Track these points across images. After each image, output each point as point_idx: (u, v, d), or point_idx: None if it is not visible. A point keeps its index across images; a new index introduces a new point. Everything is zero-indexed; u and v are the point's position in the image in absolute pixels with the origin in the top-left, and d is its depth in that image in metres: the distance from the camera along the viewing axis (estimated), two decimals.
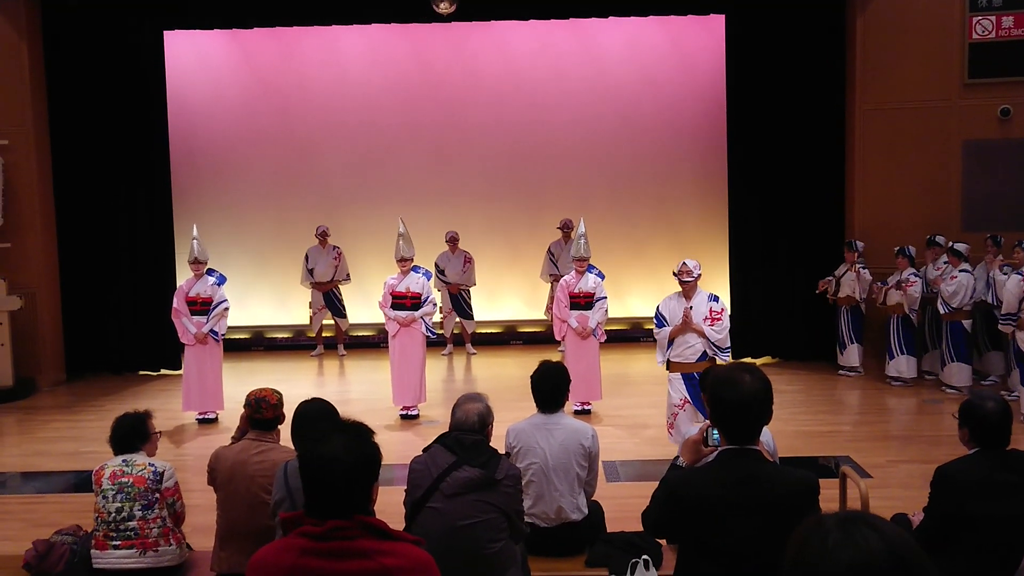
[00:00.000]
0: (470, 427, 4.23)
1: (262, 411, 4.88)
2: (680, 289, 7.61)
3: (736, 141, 11.88)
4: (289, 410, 4.77)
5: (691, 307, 7.48)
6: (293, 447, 4.65)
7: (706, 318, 7.46)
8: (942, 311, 10.14)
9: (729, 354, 7.64)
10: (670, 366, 7.68)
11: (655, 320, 7.72)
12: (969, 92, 11.11)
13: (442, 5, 10.59)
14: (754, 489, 3.16)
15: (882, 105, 11.24)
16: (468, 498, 4.03)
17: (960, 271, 9.99)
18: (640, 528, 5.02)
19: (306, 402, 4.58)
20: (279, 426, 5.00)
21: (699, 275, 7.57)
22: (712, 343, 7.47)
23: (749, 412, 3.20)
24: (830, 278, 11.03)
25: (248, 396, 4.95)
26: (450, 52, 13.58)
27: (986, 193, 11.15)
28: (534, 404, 5.08)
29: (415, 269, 9.62)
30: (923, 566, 1.66)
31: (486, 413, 4.29)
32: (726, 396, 3.22)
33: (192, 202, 13.27)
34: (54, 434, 9.48)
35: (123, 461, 4.93)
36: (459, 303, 12.89)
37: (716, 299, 7.61)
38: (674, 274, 7.64)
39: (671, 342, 7.60)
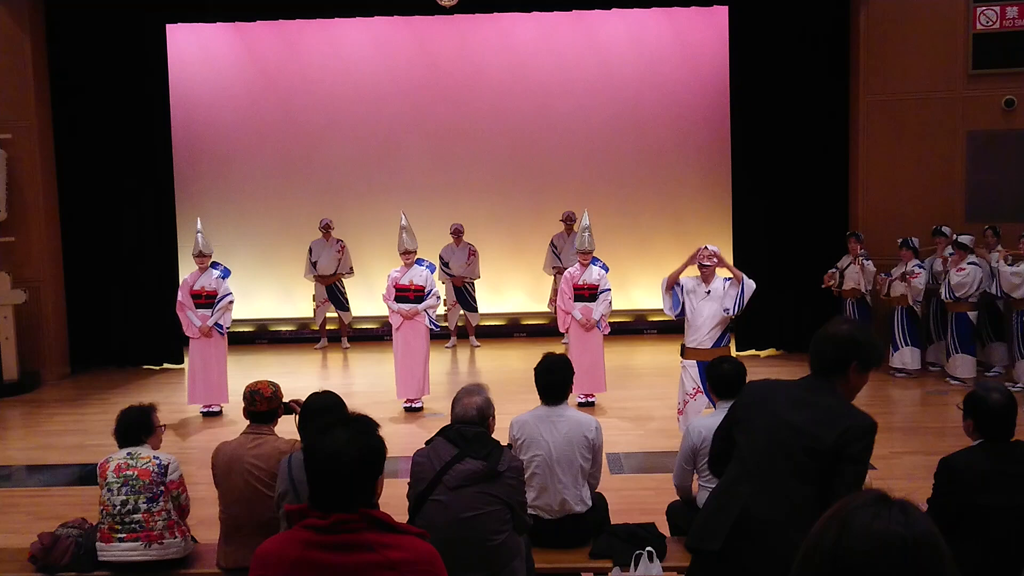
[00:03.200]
0: (471, 420, 4.23)
1: (256, 404, 4.89)
2: (699, 274, 7.80)
3: (739, 133, 11.86)
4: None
5: (709, 291, 7.66)
6: (299, 439, 4.67)
7: (726, 306, 7.66)
8: (945, 298, 10.13)
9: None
10: (684, 352, 7.79)
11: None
12: (973, 83, 11.08)
13: None
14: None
15: (886, 96, 11.22)
16: (471, 490, 4.03)
17: (968, 263, 9.97)
18: (642, 520, 5.03)
19: (315, 394, 4.58)
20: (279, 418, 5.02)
21: (718, 260, 7.74)
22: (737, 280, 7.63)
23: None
24: (834, 270, 11.01)
25: (244, 390, 4.96)
26: (453, 45, 13.56)
27: (990, 184, 11.13)
28: (538, 396, 5.08)
29: (419, 262, 9.62)
30: (936, 567, 1.64)
31: (485, 406, 4.29)
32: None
33: (195, 195, 13.28)
34: (59, 427, 9.51)
35: (128, 454, 4.93)
36: (463, 296, 12.89)
37: (729, 279, 7.74)
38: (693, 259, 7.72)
39: (684, 313, 7.75)
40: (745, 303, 7.65)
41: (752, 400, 3.61)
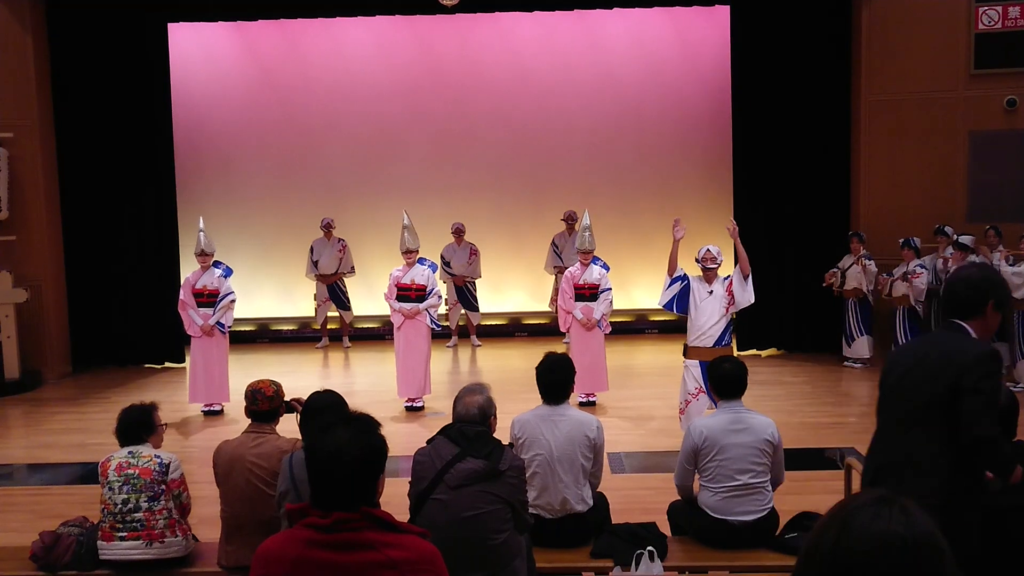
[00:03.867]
0: (471, 419, 4.23)
1: (258, 403, 4.89)
2: (701, 274, 7.84)
3: (741, 132, 11.86)
4: None
5: (711, 291, 7.69)
6: (300, 438, 4.67)
7: (727, 304, 7.69)
8: None
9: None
10: (687, 352, 7.85)
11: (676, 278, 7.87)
12: (975, 83, 11.07)
13: None
14: None
15: (888, 96, 11.21)
16: (472, 489, 4.03)
17: (970, 263, 9.96)
18: (643, 520, 5.03)
19: (317, 393, 4.58)
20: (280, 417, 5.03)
21: (721, 261, 7.77)
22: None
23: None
24: (835, 270, 11.01)
25: (246, 389, 4.97)
26: (454, 44, 13.56)
27: (992, 184, 11.12)
28: (539, 396, 5.08)
29: (420, 261, 9.62)
30: (936, 567, 1.64)
31: (487, 405, 4.28)
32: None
33: (197, 194, 13.28)
34: (60, 426, 9.52)
35: (129, 453, 4.93)
36: (464, 295, 12.90)
37: (727, 278, 7.77)
38: (696, 260, 7.74)
39: (688, 319, 7.82)
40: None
41: (891, 361, 3.80)
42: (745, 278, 7.66)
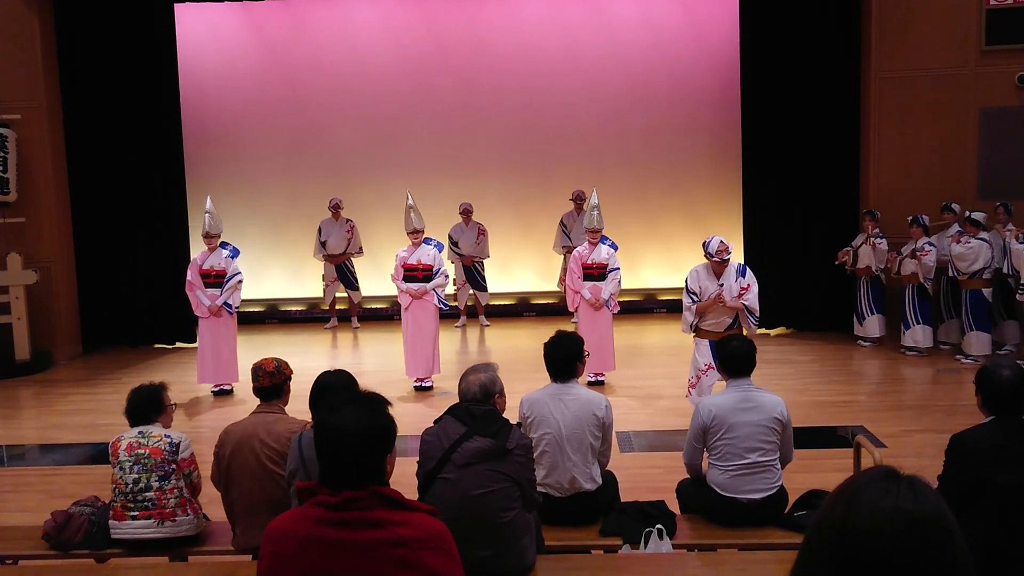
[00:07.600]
0: (472, 398, 4.24)
1: (259, 379, 4.93)
2: (707, 263, 7.73)
3: (750, 111, 11.78)
4: (308, 383, 4.80)
5: (722, 284, 7.63)
6: (311, 416, 4.68)
7: (737, 295, 7.66)
8: (956, 276, 10.07)
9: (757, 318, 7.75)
10: (698, 332, 7.90)
11: (687, 295, 7.79)
12: (986, 59, 10.97)
13: None
14: None
15: (898, 73, 11.12)
16: (480, 468, 4.04)
17: (976, 239, 9.91)
18: (652, 498, 5.03)
19: (327, 373, 4.59)
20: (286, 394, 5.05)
21: (732, 251, 7.75)
22: (749, 313, 7.65)
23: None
24: (848, 248, 10.96)
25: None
26: (462, 24, 13.48)
27: (1002, 161, 11.04)
28: (547, 375, 5.08)
29: (427, 241, 9.61)
30: (944, 544, 1.62)
31: (488, 383, 4.28)
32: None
33: (205, 175, 13.27)
34: (71, 407, 9.57)
35: (139, 433, 4.96)
36: (473, 275, 12.89)
37: (744, 272, 7.69)
38: (709, 255, 7.64)
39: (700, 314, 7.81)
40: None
41: None
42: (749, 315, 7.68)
